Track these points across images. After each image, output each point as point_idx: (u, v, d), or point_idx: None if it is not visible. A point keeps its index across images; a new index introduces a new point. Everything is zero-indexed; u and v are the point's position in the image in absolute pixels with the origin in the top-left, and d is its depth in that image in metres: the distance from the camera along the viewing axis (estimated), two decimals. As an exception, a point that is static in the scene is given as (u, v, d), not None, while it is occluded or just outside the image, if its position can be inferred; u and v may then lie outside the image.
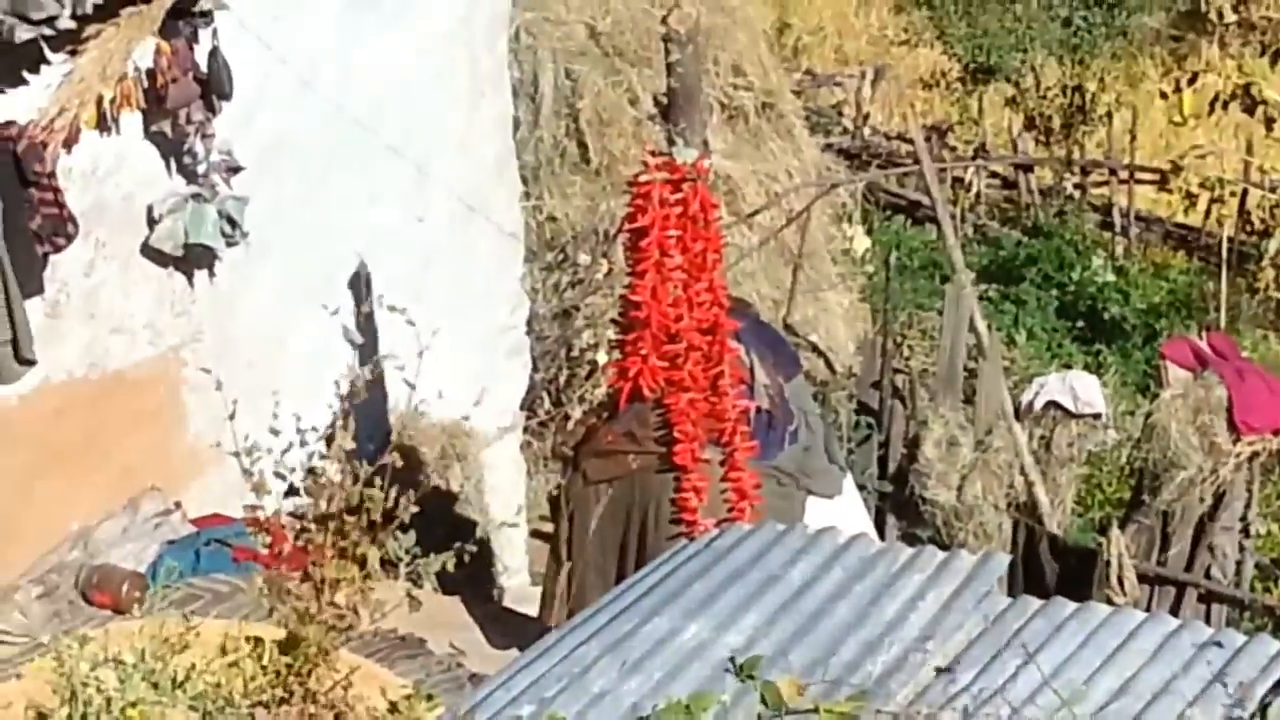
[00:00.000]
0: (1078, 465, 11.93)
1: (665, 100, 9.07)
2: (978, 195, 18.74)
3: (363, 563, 5.40)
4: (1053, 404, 11.20)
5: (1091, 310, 15.92)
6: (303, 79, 8.78)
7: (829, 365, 12.89)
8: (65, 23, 7.24)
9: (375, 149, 9.44)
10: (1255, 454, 10.18)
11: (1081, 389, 11.32)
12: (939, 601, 5.19)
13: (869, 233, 16.10)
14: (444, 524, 9.21)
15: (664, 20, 10.11)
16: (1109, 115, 19.45)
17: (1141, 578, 9.61)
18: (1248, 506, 10.22)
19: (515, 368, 11.32)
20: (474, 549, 7.06)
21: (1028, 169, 19.14)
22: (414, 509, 5.53)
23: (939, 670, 5.14)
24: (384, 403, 9.93)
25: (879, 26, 26.43)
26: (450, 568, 5.84)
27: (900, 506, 11.84)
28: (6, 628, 7.66)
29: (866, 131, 20.68)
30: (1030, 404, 11.33)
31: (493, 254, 10.78)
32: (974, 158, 19.45)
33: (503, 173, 11.02)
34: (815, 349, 12.82)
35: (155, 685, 5.09)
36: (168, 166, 8.27)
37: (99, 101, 7.62)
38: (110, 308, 8.30)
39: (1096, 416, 11.19)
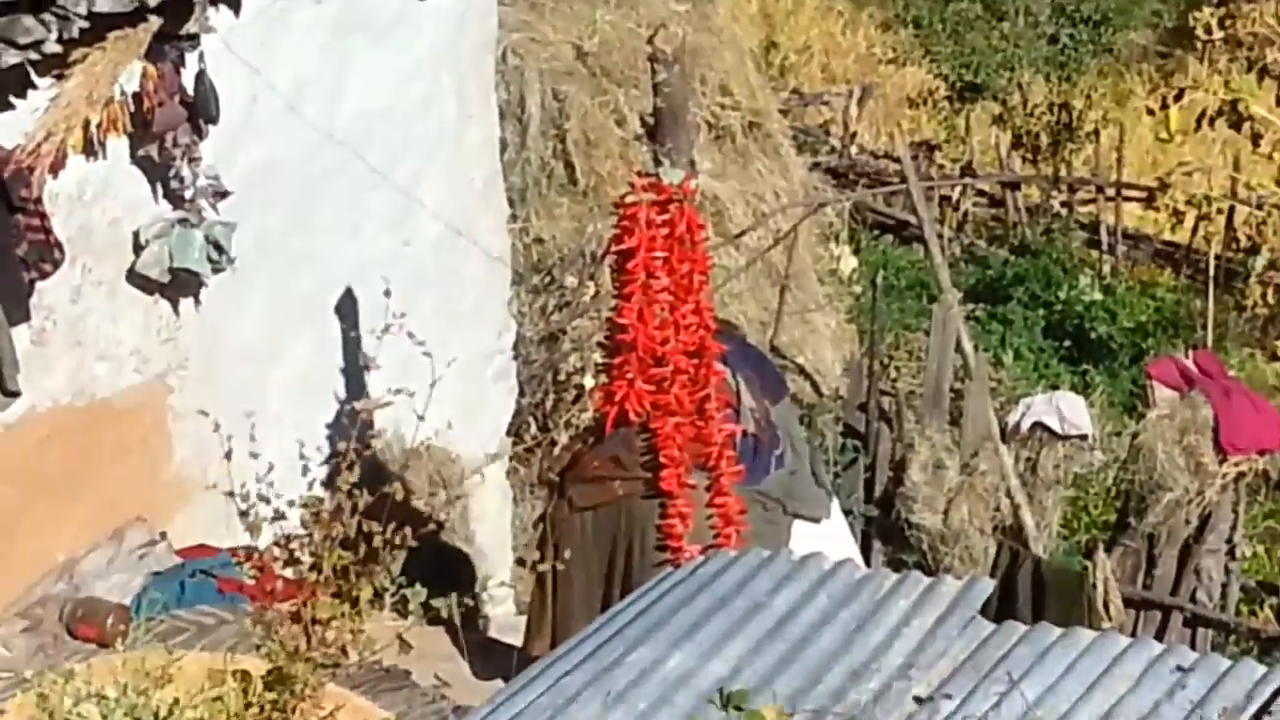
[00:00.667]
0: (1064, 487, 11.85)
1: (652, 120, 9.26)
2: (965, 214, 18.81)
3: (355, 601, 5.52)
4: (1039, 425, 11.10)
5: (1078, 330, 15.98)
6: (289, 103, 8.75)
7: (815, 388, 12.92)
8: (52, 47, 7.20)
9: (362, 173, 9.42)
10: (1241, 475, 10.28)
11: (1068, 410, 11.28)
12: (924, 628, 5.15)
13: (856, 252, 16.22)
14: (429, 551, 9.11)
15: (650, 40, 10.24)
16: (1096, 133, 19.56)
17: (1127, 602, 9.64)
18: (1234, 528, 10.31)
19: (502, 392, 11.31)
20: (470, 602, 6.90)
21: (1015, 187, 19.25)
22: (410, 544, 5.72)
23: (920, 700, 5.34)
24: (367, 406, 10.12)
25: (866, 45, 26.52)
26: (445, 614, 6.01)
27: (886, 531, 11.85)
28: None
29: (854, 150, 20.70)
30: (1017, 425, 11.30)
31: (479, 278, 10.77)
32: (961, 176, 19.55)
33: (489, 195, 10.98)
34: (802, 371, 12.88)
35: (137, 721, 5.29)
36: (154, 191, 8.23)
37: (85, 126, 7.54)
38: (97, 334, 8.27)
39: (1083, 438, 11.15)
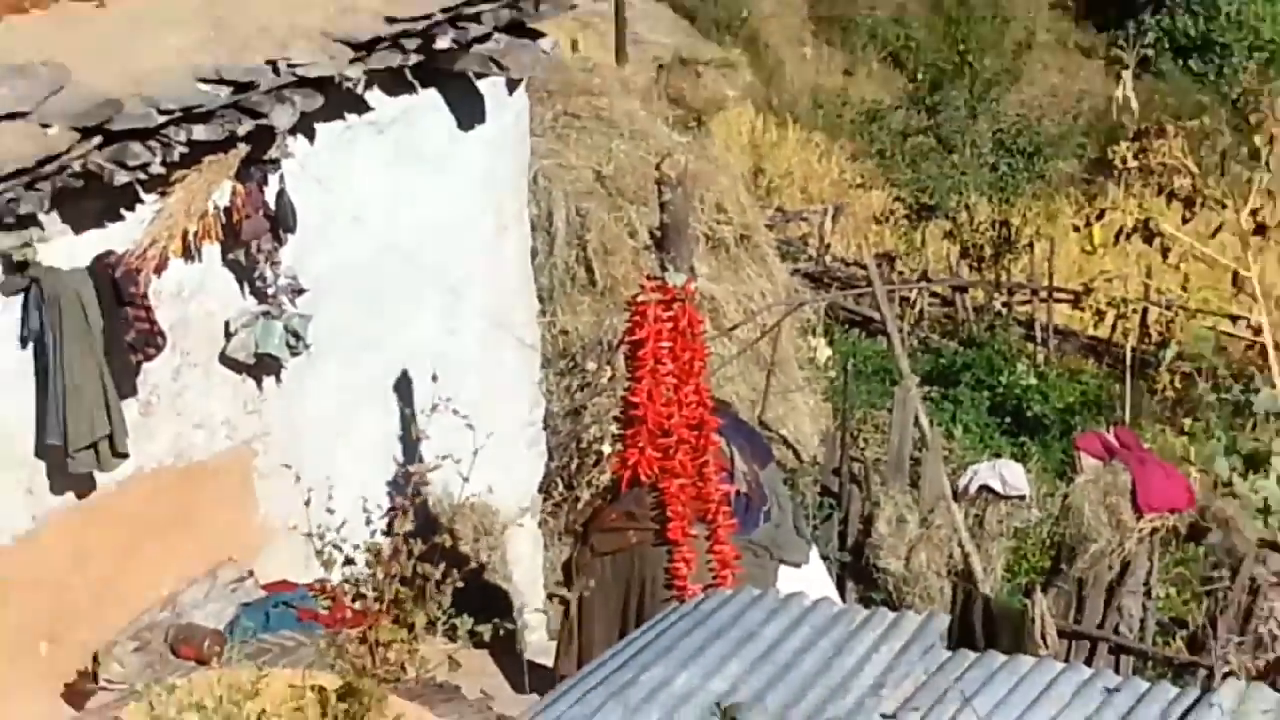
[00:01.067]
0: (1006, 539, 11.95)
1: (659, 233, 8.92)
2: (921, 312, 18.92)
3: (411, 627, 5.65)
4: (985, 488, 11.34)
5: (1017, 408, 16.12)
6: (355, 216, 8.71)
7: (796, 455, 12.73)
8: (156, 169, 7.18)
9: (417, 275, 9.39)
10: (1155, 530, 10.16)
11: (1009, 475, 11.51)
12: (890, 654, 5.29)
13: (830, 343, 16.13)
14: (473, 587, 9.09)
15: (658, 166, 10.37)
16: (1031, 245, 19.67)
17: (1061, 633, 9.67)
18: (1149, 573, 10.30)
19: (533, 457, 10.97)
20: (510, 626, 7.39)
21: (963, 290, 19.37)
22: (458, 583, 5.86)
23: (887, 716, 5.22)
24: (420, 470, 9.66)
25: (838, 172, 26.95)
26: (488, 639, 6.15)
27: (857, 574, 11.90)
28: (108, 677, 7.74)
29: (828, 259, 20.91)
30: (966, 487, 11.44)
31: (515, 362, 10.45)
32: (918, 281, 19.59)
33: (523, 294, 10.62)
34: (785, 441, 12.62)
35: (229, 732, 5.22)
36: (242, 288, 8.23)
37: (184, 235, 7.55)
38: (193, 407, 8.23)
39: (1021, 498, 11.37)
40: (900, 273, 20.59)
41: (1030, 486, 11.52)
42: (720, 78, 16.33)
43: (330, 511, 6.75)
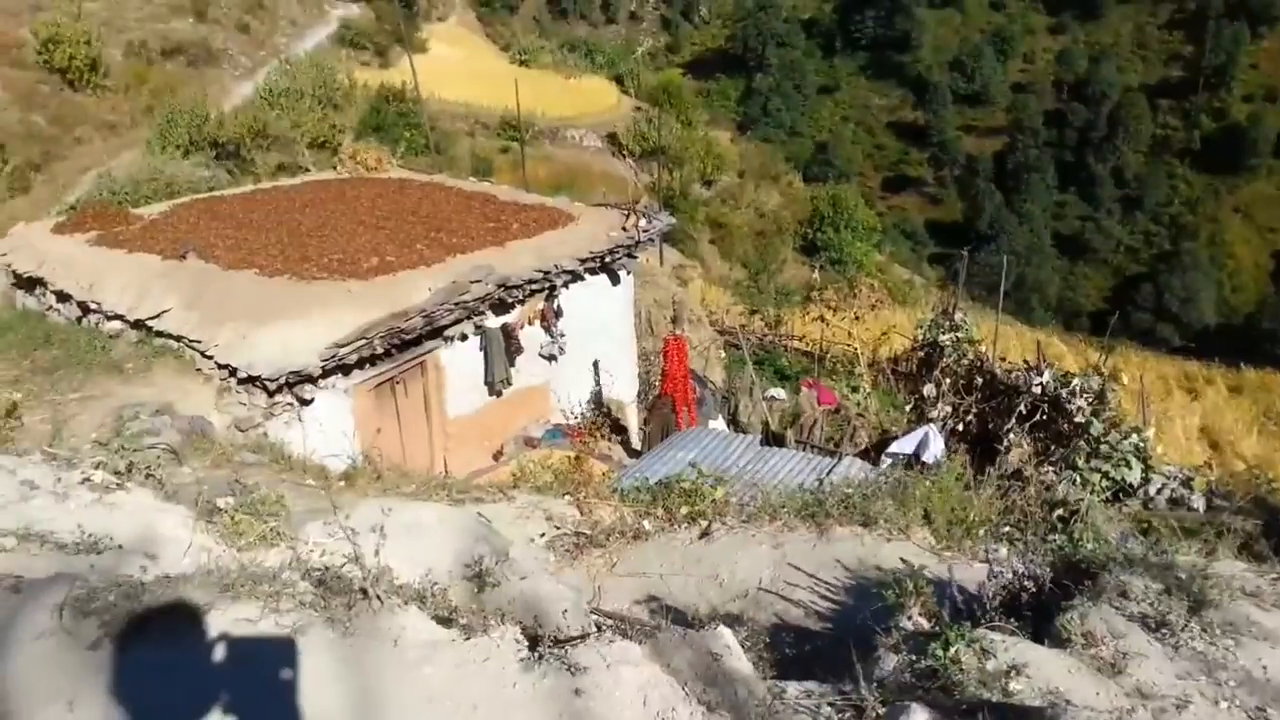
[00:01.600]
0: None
1: (674, 314, 14.61)
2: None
3: (595, 439, 11.67)
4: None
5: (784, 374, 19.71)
6: (579, 313, 13.35)
7: (714, 387, 16.87)
8: (518, 295, 12.44)
9: (599, 328, 14.02)
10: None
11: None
12: (742, 445, 10.71)
13: (724, 351, 20.06)
14: (617, 425, 13.99)
15: (674, 299, 16.40)
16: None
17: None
18: (815, 423, 16.57)
19: (633, 383, 15.18)
20: (638, 449, 12.75)
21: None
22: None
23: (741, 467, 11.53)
24: (600, 391, 14.19)
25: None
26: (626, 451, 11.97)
27: (733, 425, 15.52)
28: (503, 454, 13.43)
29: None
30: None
31: (627, 355, 14.90)
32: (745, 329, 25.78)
33: (631, 335, 15.03)
34: (710, 382, 16.99)
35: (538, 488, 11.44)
36: (546, 334, 13.21)
37: (528, 317, 12.88)
38: (528, 370, 12.95)
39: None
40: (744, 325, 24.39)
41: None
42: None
43: (567, 405, 13.49)
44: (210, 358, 9.95)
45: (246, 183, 20.52)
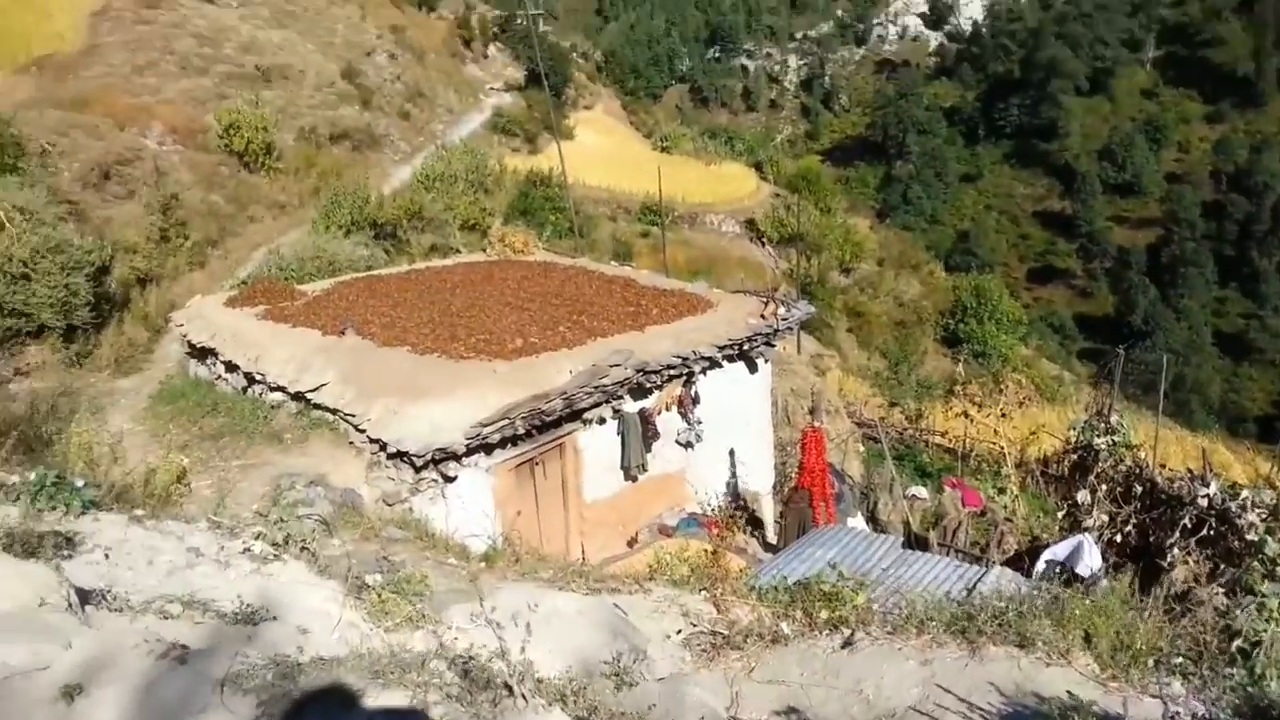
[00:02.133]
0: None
1: (812, 404, 13.87)
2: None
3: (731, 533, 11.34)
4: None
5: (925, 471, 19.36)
6: (716, 398, 13.51)
7: (851, 482, 16.19)
8: (657, 381, 12.53)
9: (737, 415, 14.10)
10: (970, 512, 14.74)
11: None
12: (884, 546, 9.97)
13: (861, 444, 19.64)
14: (753, 518, 13.83)
15: (813, 390, 16.18)
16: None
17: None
18: (959, 525, 14.65)
19: (769, 474, 15.27)
20: (773, 543, 12.36)
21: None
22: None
23: (885, 569, 10.81)
24: (735, 481, 14.08)
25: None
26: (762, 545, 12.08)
27: (873, 524, 15.30)
28: (638, 541, 13.45)
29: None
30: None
31: (764, 445, 14.93)
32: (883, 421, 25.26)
33: (768, 424, 15.14)
34: (848, 476, 16.25)
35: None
36: (682, 419, 13.28)
37: (666, 403, 12.97)
38: (664, 455, 12.96)
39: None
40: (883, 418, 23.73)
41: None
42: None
43: (702, 494, 13.55)
44: (363, 431, 10.32)
45: (401, 261, 21.45)
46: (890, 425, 23.69)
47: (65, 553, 4.56)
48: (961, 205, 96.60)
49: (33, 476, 5.33)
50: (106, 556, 4.79)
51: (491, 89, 61.71)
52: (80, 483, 5.49)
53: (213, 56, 39.44)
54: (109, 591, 4.18)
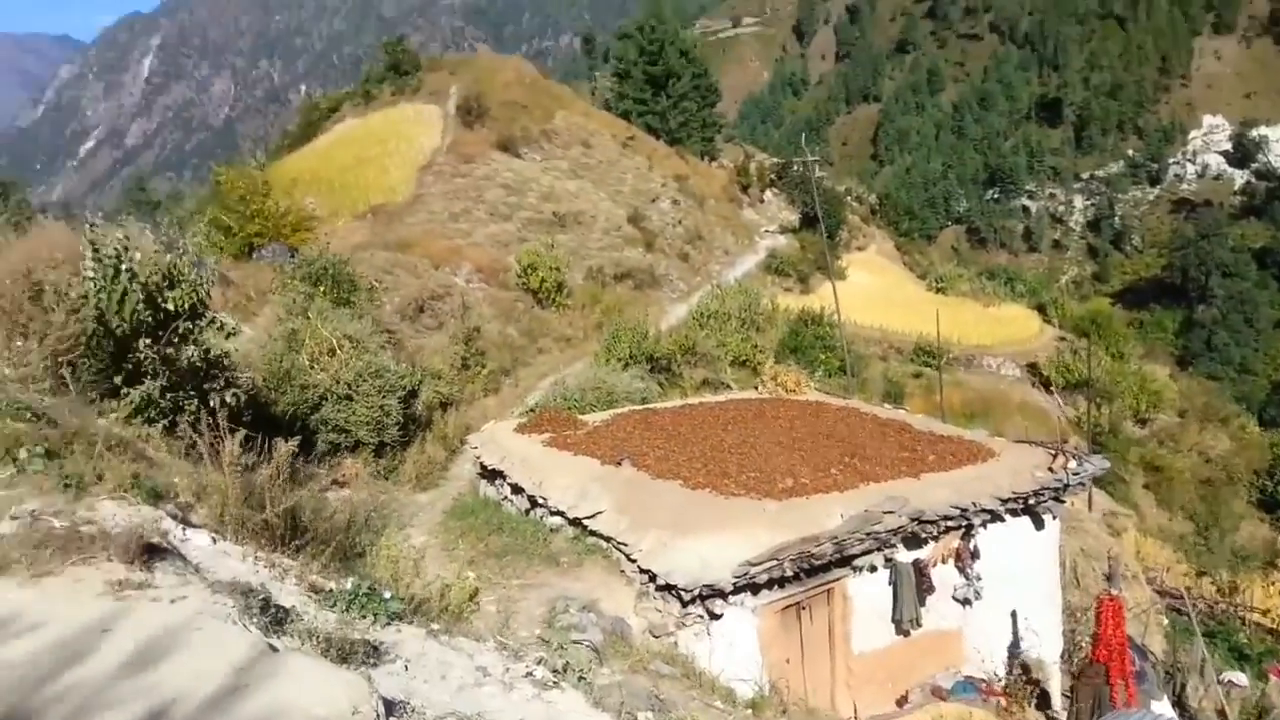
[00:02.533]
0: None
1: (1108, 573, 12.26)
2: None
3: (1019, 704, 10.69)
4: None
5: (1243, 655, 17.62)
6: (994, 549, 12.54)
7: (1155, 660, 14.57)
8: (931, 531, 12.09)
9: (1020, 578, 13.06)
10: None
11: None
12: None
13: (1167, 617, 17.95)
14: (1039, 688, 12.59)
15: (1109, 553, 14.92)
16: None
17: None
18: None
19: (1058, 642, 14.01)
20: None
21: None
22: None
23: None
24: (1018, 646, 12.97)
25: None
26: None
27: (1180, 708, 13.59)
28: (919, 701, 12.20)
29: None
30: None
31: (1051, 608, 13.70)
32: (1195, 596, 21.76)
33: (1052, 601, 13.98)
34: (1150, 652, 14.60)
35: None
36: (960, 574, 12.55)
37: (942, 555, 12.22)
38: (940, 618, 12.26)
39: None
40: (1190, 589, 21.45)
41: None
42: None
43: (981, 657, 12.43)
44: (634, 561, 10.48)
45: (674, 395, 22.16)
46: (1199, 597, 21.71)
47: (372, 661, 4.84)
48: (1275, 354, 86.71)
49: (348, 585, 5.70)
50: (406, 668, 5.07)
51: (767, 231, 63.33)
52: (388, 594, 5.82)
53: (517, 204, 43.42)
54: (408, 704, 4.34)
